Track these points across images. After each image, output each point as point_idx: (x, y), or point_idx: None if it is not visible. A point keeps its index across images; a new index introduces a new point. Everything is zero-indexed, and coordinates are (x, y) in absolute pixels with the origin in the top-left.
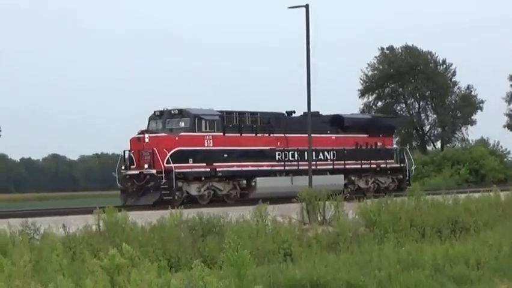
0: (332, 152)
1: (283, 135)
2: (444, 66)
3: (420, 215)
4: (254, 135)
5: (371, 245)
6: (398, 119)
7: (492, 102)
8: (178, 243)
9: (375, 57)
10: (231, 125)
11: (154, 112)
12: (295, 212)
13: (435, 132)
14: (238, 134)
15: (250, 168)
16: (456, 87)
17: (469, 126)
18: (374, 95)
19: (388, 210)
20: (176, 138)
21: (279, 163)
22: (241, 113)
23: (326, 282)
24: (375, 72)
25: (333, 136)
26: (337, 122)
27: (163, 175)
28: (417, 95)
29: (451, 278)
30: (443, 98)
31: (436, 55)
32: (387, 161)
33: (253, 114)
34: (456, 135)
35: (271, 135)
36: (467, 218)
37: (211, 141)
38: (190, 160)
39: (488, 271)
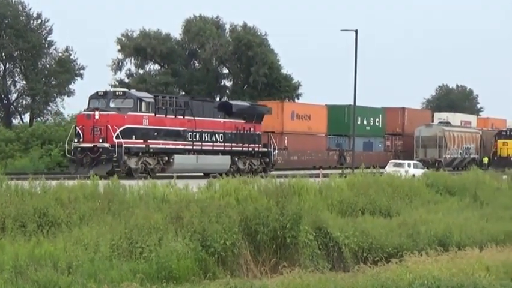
0: (221, 135)
1: (192, 117)
2: (40, 21)
3: (1, 205)
4: (174, 116)
5: None
6: (267, 107)
7: (96, 70)
8: None
9: None
10: (157, 107)
11: (97, 92)
12: None
13: (24, 102)
14: (164, 115)
15: (171, 146)
16: (53, 48)
17: (66, 97)
18: None
19: None
20: (125, 117)
21: (189, 143)
22: (164, 96)
23: None
24: None
25: (222, 120)
26: (225, 108)
27: (115, 149)
28: (3, 54)
29: (35, 283)
30: (35, 61)
31: (30, 7)
32: (259, 145)
33: (171, 97)
34: (50, 108)
35: (184, 117)
36: (58, 210)
37: (147, 120)
38: (133, 137)
39: (82, 276)
